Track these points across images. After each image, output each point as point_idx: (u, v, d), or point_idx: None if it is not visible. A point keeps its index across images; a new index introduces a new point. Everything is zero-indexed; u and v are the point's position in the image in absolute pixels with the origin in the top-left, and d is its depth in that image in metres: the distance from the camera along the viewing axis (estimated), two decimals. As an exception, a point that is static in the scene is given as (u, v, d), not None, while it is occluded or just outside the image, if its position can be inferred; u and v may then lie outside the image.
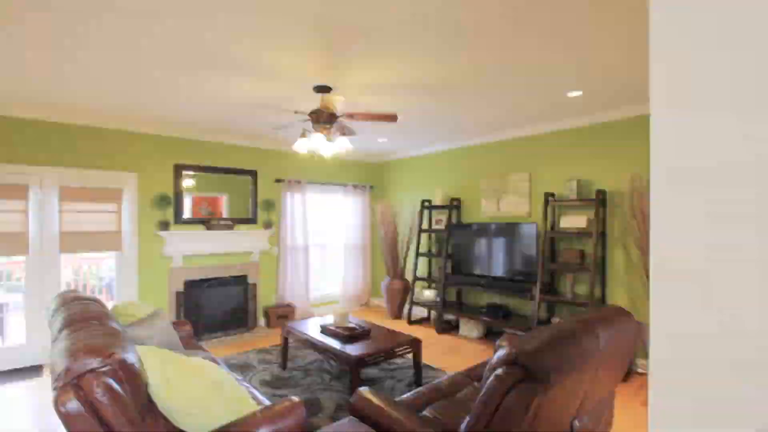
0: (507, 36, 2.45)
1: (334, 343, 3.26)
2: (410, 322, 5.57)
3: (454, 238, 5.20)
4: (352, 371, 2.95)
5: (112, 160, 4.41)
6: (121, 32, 2.43)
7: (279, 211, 5.72)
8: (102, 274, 5.54)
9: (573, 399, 1.88)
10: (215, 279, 5.06)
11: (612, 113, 4.02)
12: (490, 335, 4.95)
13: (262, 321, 5.54)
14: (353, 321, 3.82)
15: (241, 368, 3.85)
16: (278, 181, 5.67)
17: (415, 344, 3.37)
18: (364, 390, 2.12)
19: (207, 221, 4.96)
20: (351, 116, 3.29)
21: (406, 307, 6.27)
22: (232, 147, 5.29)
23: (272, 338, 4.93)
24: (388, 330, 3.65)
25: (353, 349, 3.10)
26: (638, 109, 3.84)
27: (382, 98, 3.57)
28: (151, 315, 2.76)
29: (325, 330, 3.59)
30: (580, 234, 4.07)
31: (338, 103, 2.97)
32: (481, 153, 5.30)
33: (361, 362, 2.98)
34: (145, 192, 4.61)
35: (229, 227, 5.09)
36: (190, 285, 4.87)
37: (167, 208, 4.73)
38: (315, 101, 3.58)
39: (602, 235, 4.08)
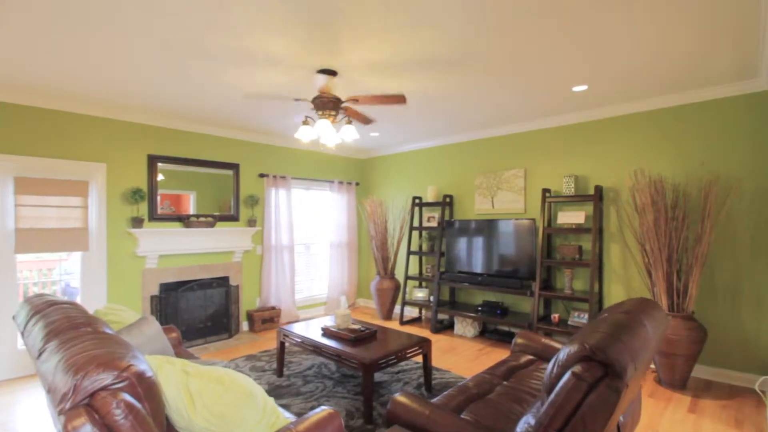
0: (521, 20, 2.35)
1: (340, 347, 3.03)
2: (402, 322, 5.40)
3: (449, 236, 5.09)
4: (365, 376, 2.73)
5: (77, 149, 3.93)
6: (98, 6, 2.10)
7: (263, 208, 5.38)
8: (61, 277, 4.94)
9: (629, 395, 1.79)
10: (194, 281, 4.65)
11: (609, 109, 4.05)
12: (485, 333, 4.87)
13: (245, 326, 5.17)
14: (355, 322, 3.59)
15: (231, 377, 3.52)
16: (262, 176, 5.33)
17: (425, 345, 3.20)
18: (399, 396, 1.92)
19: (185, 218, 4.55)
20: (355, 100, 3.08)
21: (397, 307, 6.10)
22: (213, 138, 4.91)
23: (259, 344, 4.59)
24: (393, 331, 3.45)
25: (364, 353, 2.88)
26: (637, 106, 3.88)
27: (386, 83, 3.38)
28: (140, 321, 2.42)
29: (327, 332, 3.34)
30: (577, 230, 4.07)
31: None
32: (475, 149, 5.23)
33: (374, 366, 2.77)
34: (116, 185, 4.16)
35: (210, 225, 4.70)
36: (166, 288, 4.44)
37: (140, 203, 4.29)
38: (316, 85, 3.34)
39: (599, 231, 4.10)
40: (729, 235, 3.47)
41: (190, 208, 4.63)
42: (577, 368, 1.39)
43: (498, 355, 4.18)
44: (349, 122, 3.09)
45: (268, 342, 4.64)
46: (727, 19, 2.38)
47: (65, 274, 4.29)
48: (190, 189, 4.68)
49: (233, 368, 3.75)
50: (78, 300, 4.06)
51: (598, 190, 4.00)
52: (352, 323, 3.52)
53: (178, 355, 2.72)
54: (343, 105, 3.08)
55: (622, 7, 2.25)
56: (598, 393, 1.32)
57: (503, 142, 4.95)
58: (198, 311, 4.65)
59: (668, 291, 3.39)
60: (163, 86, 3.41)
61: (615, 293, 4.08)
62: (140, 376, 1.24)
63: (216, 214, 4.88)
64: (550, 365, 1.57)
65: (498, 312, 4.55)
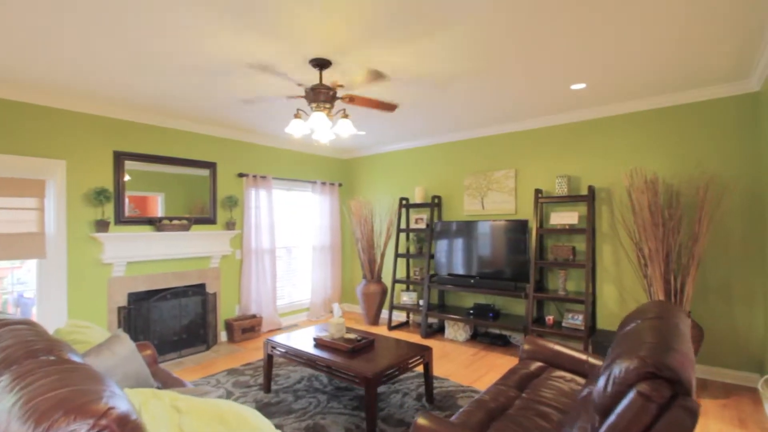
0: (521, 15, 2.21)
1: (337, 359, 2.78)
2: (390, 327, 5.19)
3: (438, 238, 4.92)
4: (368, 391, 2.50)
5: (33, 144, 3.49)
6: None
7: (242, 210, 5.04)
8: (13, 287, 4.42)
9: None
10: (167, 290, 4.27)
11: (600, 110, 4.01)
12: (476, 337, 4.74)
13: (223, 336, 4.81)
14: (350, 331, 3.35)
15: (213, 395, 3.20)
16: (241, 175, 4.99)
17: (427, 354, 3.01)
18: (421, 420, 1.71)
19: (157, 221, 4.17)
20: (351, 100, 2.86)
21: (383, 311, 5.88)
22: (187, 134, 4.53)
23: (240, 356, 4.26)
24: (390, 339, 3.24)
25: (365, 365, 2.65)
26: (629, 106, 3.85)
27: (382, 81, 3.17)
28: (110, 339, 2.09)
29: (321, 343, 3.09)
30: (570, 230, 4.00)
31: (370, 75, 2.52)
32: (464, 149, 5.10)
33: (378, 380, 2.55)
34: (78, 184, 3.74)
35: (185, 228, 4.33)
36: (135, 298, 4.04)
37: (106, 205, 3.88)
38: (308, 75, 3.08)
39: (592, 231, 4.04)
40: (720, 234, 3.47)
41: (158, 210, 4.24)
42: (643, 387, 1.23)
43: (492, 359, 4.05)
44: (346, 116, 2.86)
45: (250, 353, 4.31)
46: (723, 21, 2.34)
47: (18, 284, 3.81)
48: (158, 190, 4.28)
49: (214, 385, 3.43)
50: (33, 313, 3.62)
51: (592, 190, 3.95)
52: (348, 332, 3.28)
53: (155, 375, 2.40)
54: (337, 100, 2.85)
55: (622, 8, 2.15)
56: (672, 416, 1.16)
57: (493, 142, 4.84)
58: (172, 322, 4.26)
59: (666, 291, 3.35)
60: (131, 76, 3.06)
61: (607, 293, 4.03)
62: (122, 422, 0.97)
63: (191, 216, 4.51)
64: (600, 382, 1.41)
65: (490, 315, 4.42)
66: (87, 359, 1.85)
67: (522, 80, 3.27)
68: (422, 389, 3.27)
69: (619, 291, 3.98)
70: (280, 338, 3.27)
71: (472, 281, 4.53)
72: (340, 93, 3.14)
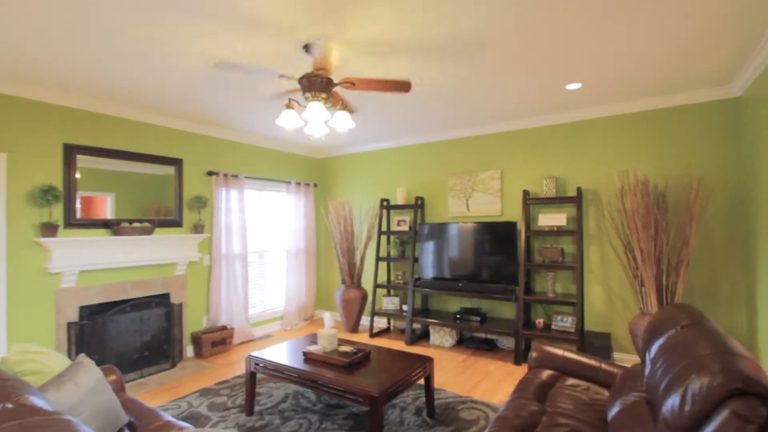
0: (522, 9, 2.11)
1: (334, 375, 2.52)
2: (372, 334, 4.96)
3: (422, 240, 4.76)
4: (374, 411, 2.27)
5: (-39, 133, 2.95)
6: None
7: (212, 211, 4.61)
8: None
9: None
10: (126, 301, 3.78)
11: (588, 111, 4.03)
12: (463, 342, 4.62)
13: (190, 351, 4.36)
14: (342, 342, 3.09)
15: (187, 422, 2.82)
16: (210, 173, 4.57)
17: (429, 365, 2.82)
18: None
19: (115, 224, 3.69)
20: (351, 84, 2.62)
21: (363, 318, 5.63)
22: (149, 127, 4.07)
23: (211, 373, 3.85)
24: (386, 350, 3.02)
25: (367, 381, 2.41)
26: (617, 108, 3.89)
27: (371, 70, 2.96)
28: (72, 368, 1.72)
29: (313, 358, 2.81)
30: (559, 232, 3.98)
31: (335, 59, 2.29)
32: (448, 149, 4.98)
33: (384, 397, 2.32)
34: (20, 181, 3.21)
35: (147, 232, 3.87)
36: (89, 312, 3.54)
37: (54, 205, 3.36)
38: (300, 64, 2.81)
39: (580, 233, 4.05)
40: (705, 236, 3.57)
41: (107, 213, 3.73)
42: (736, 406, 1.09)
43: (483, 365, 3.93)
44: (343, 108, 2.61)
45: (223, 369, 3.92)
46: (721, 25, 2.36)
47: (-61, 300, 3.21)
48: (108, 190, 3.76)
49: (185, 408, 3.04)
50: (-40, 334, 3.05)
51: (580, 191, 3.95)
52: (340, 344, 3.02)
53: (125, 406, 2.03)
54: (335, 87, 2.60)
55: (622, 8, 2.10)
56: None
57: (478, 143, 4.76)
58: (131, 338, 3.78)
59: (658, 292, 3.38)
60: (86, 53, 2.64)
61: (595, 295, 4.05)
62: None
63: (155, 218, 4.05)
64: (672, 401, 1.27)
65: (478, 319, 4.31)
66: (47, 395, 1.49)
67: (518, 78, 3.18)
68: (420, 402, 3.07)
69: (606, 292, 4.01)
70: (265, 353, 2.95)
71: (460, 285, 4.40)
72: (337, 78, 2.88)
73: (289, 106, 2.59)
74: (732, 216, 3.46)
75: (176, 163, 4.28)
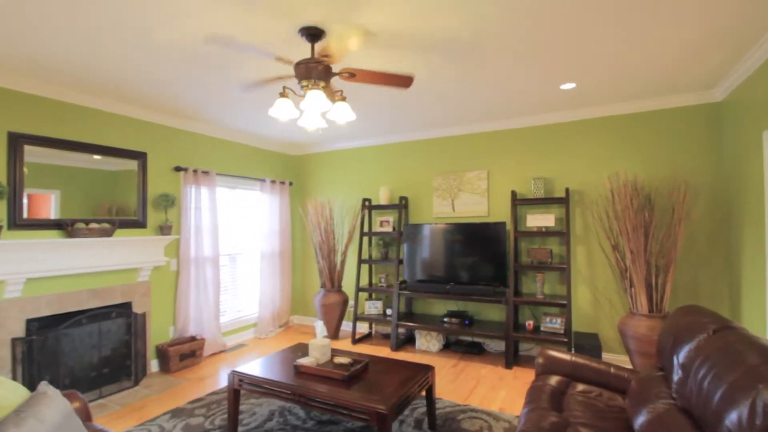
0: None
1: (332, 391, 2.30)
2: (355, 341, 4.74)
3: (407, 242, 4.60)
4: (382, 429, 2.07)
5: None
6: None
7: (180, 211, 4.21)
8: None
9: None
10: (83, 312, 3.34)
11: (579, 112, 4.04)
12: (450, 346, 4.50)
13: (154, 366, 3.94)
14: (337, 353, 2.86)
15: (160, 449, 2.48)
16: (178, 169, 4.17)
17: (431, 374, 2.65)
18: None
19: (69, 225, 3.24)
20: (351, 74, 2.41)
21: (345, 324, 5.39)
22: (110, 116, 3.64)
23: (181, 390, 3.48)
24: (382, 360, 2.82)
25: (372, 396, 2.21)
26: (608, 109, 3.92)
27: (366, 61, 2.76)
28: (34, 399, 1.40)
29: (306, 372, 2.56)
30: (547, 233, 3.96)
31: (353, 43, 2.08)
32: (433, 148, 4.86)
33: (393, 413, 2.12)
34: (-51, 175, 2.73)
35: (106, 233, 3.44)
36: (39, 326, 3.07)
37: (-7, 204, 2.90)
38: (295, 49, 2.56)
39: (569, 234, 4.05)
40: (688, 236, 3.66)
41: (51, 212, 3.27)
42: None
43: (474, 370, 3.83)
44: (343, 98, 2.39)
45: (194, 386, 3.56)
46: (716, 30, 2.38)
47: None
48: (53, 187, 3.29)
49: (157, 433, 2.69)
50: None
51: (568, 192, 3.95)
52: (333, 354, 2.79)
53: (93, 441, 1.70)
54: (333, 77, 2.38)
55: (619, 10, 2.06)
56: None
57: (464, 142, 4.68)
58: (88, 354, 3.34)
59: (648, 292, 3.42)
60: (34, 26, 2.26)
61: (581, 295, 4.06)
62: None
63: (115, 218, 3.62)
64: (743, 411, 1.18)
65: (466, 322, 4.22)
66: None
67: (513, 76, 3.10)
68: (419, 413, 2.90)
69: (593, 293, 4.03)
70: (251, 368, 2.67)
71: (448, 287, 4.28)
72: (336, 68, 2.65)
73: (283, 95, 2.34)
74: (714, 217, 3.56)
75: (140, 156, 3.86)
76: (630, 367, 3.65)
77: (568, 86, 3.34)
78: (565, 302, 3.78)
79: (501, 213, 4.47)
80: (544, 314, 4.01)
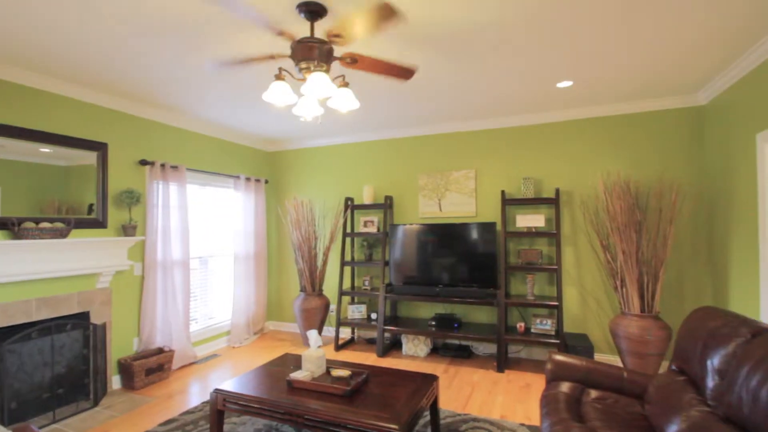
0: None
1: (333, 408, 2.07)
2: (338, 347, 4.49)
3: (395, 242, 4.42)
4: (395, 451, 1.86)
5: None
6: None
7: (145, 209, 3.80)
8: None
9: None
10: (32, 325, 2.90)
11: (567, 113, 4.02)
12: (437, 350, 4.36)
13: (116, 382, 3.52)
14: (334, 365, 2.62)
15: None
16: (144, 163, 3.76)
17: (435, 384, 2.47)
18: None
19: (14, 224, 2.80)
20: (354, 60, 2.19)
21: (326, 329, 5.12)
22: (64, 100, 3.20)
23: (149, 410, 3.11)
24: (383, 370, 2.62)
25: (381, 413, 2.00)
26: (596, 110, 3.92)
27: (361, 48, 2.56)
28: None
29: (301, 387, 2.31)
30: (536, 233, 3.91)
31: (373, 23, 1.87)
32: (419, 146, 4.70)
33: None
34: None
35: (60, 234, 3.01)
36: (-26, 342, 2.62)
37: None
38: (288, 30, 2.30)
39: (559, 234, 4.02)
40: (673, 236, 3.71)
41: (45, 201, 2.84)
42: None
43: (467, 375, 3.70)
44: (345, 84, 2.17)
45: (164, 404, 3.19)
46: (711, 35, 2.39)
47: None
48: (39, 174, 2.89)
49: (125, 463, 2.34)
50: None
51: (557, 192, 3.91)
52: (331, 366, 2.55)
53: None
54: (339, 57, 2.15)
55: (623, 10, 2.01)
56: None
57: (452, 140, 4.55)
58: (39, 372, 2.90)
59: (639, 292, 3.42)
60: None
61: (570, 296, 4.04)
62: None
63: (71, 217, 3.18)
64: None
65: (455, 325, 4.09)
66: None
67: (510, 72, 3.00)
68: (420, 426, 2.71)
69: (581, 293, 4.02)
70: (236, 385, 2.38)
71: (437, 289, 4.13)
72: (338, 51, 2.42)
73: (279, 77, 2.08)
74: (698, 218, 3.63)
75: (99, 147, 3.43)
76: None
77: (565, 84, 3.27)
78: (555, 303, 3.74)
79: (489, 213, 4.38)
80: (534, 316, 3.94)
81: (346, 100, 2.15)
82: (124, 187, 3.62)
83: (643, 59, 2.81)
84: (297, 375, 2.36)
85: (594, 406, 2.12)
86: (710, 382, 1.69)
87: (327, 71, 2.11)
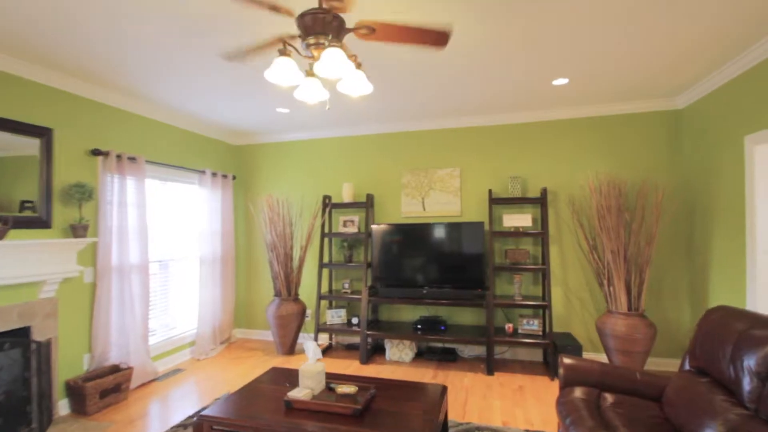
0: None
1: (341, 430, 1.83)
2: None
3: (378, 243, 4.20)
4: (423, 478, 1.66)
5: None
6: None
7: (97, 207, 3.31)
8: None
9: None
10: (-46, 346, 2.37)
11: (559, 112, 4.02)
12: (423, 355, 4.20)
13: (64, 407, 3.01)
14: (335, 380, 2.37)
15: None
16: (97, 153, 3.27)
17: (445, 395, 2.30)
18: None
19: (-68, 223, 2.27)
20: (371, 29, 1.94)
21: (302, 335, 4.80)
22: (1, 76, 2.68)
23: (109, 437, 2.67)
24: (385, 382, 2.40)
25: (402, 435, 1.79)
26: (590, 110, 3.95)
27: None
28: None
29: (299, 407, 2.04)
30: (523, 233, 3.87)
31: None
32: (402, 142, 4.53)
33: (433, 456, 1.73)
34: None
35: (-6, 235, 2.50)
36: None
37: None
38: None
39: (547, 234, 4.01)
40: (652, 236, 3.82)
41: None
42: None
43: (457, 380, 3.57)
44: (359, 66, 1.93)
45: (123, 431, 2.76)
46: (703, 39, 2.45)
47: None
48: None
49: None
50: None
51: (544, 192, 3.90)
52: (334, 382, 2.29)
53: None
54: (353, 29, 1.91)
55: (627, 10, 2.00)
56: None
57: (436, 137, 4.42)
58: (-36, 405, 2.38)
59: (627, 291, 3.47)
60: None
61: (555, 295, 4.05)
62: None
63: (8, 215, 2.66)
64: None
65: (442, 328, 3.96)
66: None
67: (511, 65, 2.90)
68: (422, 440, 2.53)
69: (565, 292, 4.04)
70: (225, 409, 2.06)
71: (424, 291, 3.97)
72: (350, 22, 2.16)
73: (284, 53, 1.80)
74: (677, 217, 3.75)
75: (43, 134, 2.92)
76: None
77: (561, 81, 3.24)
78: (544, 303, 3.71)
79: (473, 213, 4.29)
80: (520, 316, 3.90)
81: (359, 83, 1.91)
82: (73, 181, 3.12)
83: (639, 60, 2.82)
84: (296, 394, 2.09)
85: (616, 412, 2.04)
86: (747, 385, 1.65)
87: (340, 45, 1.86)
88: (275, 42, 1.99)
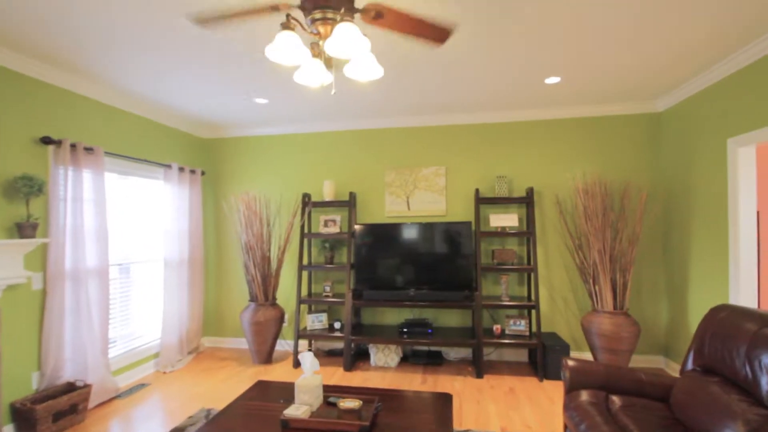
0: None
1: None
2: (297, 363, 3.95)
3: (362, 244, 4.02)
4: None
5: None
6: None
7: (47, 203, 2.90)
8: None
9: None
10: None
11: (549, 112, 4.01)
12: (408, 359, 4.06)
13: (7, 435, 2.60)
14: (333, 393, 2.17)
15: None
16: (47, 142, 2.87)
17: (450, 403, 2.17)
18: None
19: None
20: (379, 14, 1.78)
21: (280, 343, 4.51)
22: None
23: (65, 469, 2.31)
24: (388, 393, 2.24)
25: (419, 453, 1.63)
26: (578, 111, 3.97)
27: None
28: None
29: (298, 426, 1.83)
30: (510, 233, 3.84)
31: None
32: (386, 139, 4.37)
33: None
34: None
35: None
36: None
37: None
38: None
39: (532, 235, 4.00)
40: (636, 235, 3.90)
41: None
42: None
43: (446, 383, 3.47)
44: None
45: (85, 458, 2.42)
46: (698, 42, 2.51)
47: None
48: None
49: None
50: None
51: (531, 191, 3.88)
52: (332, 395, 2.09)
53: None
54: (360, 10, 1.73)
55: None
56: None
57: (421, 135, 4.30)
58: None
59: (613, 290, 3.51)
60: None
61: (540, 295, 4.05)
62: None
63: (-63, 211, 2.24)
64: None
65: (429, 331, 3.84)
66: None
67: (507, 61, 2.84)
68: (423, 452, 2.38)
69: (550, 292, 4.04)
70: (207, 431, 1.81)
71: (411, 293, 3.84)
72: (359, 3, 1.96)
73: (287, 26, 1.59)
74: (656, 218, 3.85)
75: (-18, 118, 2.50)
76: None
77: (553, 80, 3.21)
78: (532, 303, 3.68)
79: (459, 212, 4.22)
80: (507, 317, 3.86)
81: (369, 67, 1.74)
82: (18, 173, 2.71)
83: (633, 61, 2.83)
84: (293, 412, 1.88)
85: (627, 414, 2.00)
86: (766, 384, 1.64)
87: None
88: (266, 10, 1.75)
